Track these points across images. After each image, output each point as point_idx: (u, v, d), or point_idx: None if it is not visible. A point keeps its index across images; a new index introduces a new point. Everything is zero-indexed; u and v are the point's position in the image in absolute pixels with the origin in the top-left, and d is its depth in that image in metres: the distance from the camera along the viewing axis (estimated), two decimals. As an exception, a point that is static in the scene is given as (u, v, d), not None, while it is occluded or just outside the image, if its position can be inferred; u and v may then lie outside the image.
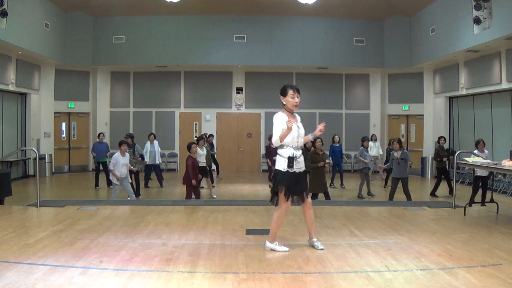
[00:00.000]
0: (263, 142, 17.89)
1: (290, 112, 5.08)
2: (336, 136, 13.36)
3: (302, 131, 5.10)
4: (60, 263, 4.54)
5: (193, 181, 9.31)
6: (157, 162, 12.79)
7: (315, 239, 5.23)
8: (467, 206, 7.63)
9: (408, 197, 9.58)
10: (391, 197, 9.77)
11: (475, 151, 9.44)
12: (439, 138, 12.39)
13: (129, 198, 9.55)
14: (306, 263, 4.69)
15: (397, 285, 4.04)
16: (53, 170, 15.99)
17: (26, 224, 6.50)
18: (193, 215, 7.24)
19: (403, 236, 5.85)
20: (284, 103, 5.09)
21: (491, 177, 9.24)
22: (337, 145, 13.26)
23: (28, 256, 4.77)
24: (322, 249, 5.09)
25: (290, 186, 5.00)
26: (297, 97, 5.06)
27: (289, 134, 4.93)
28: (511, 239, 5.70)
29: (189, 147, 9.67)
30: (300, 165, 5.06)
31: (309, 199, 5.19)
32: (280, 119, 4.99)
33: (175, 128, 17.65)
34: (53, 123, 16.09)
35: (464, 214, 7.37)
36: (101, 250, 5.06)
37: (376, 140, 14.58)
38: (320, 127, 5.08)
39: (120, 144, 9.56)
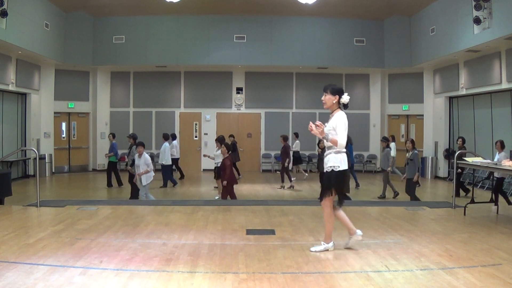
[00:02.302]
0: (263, 142, 17.91)
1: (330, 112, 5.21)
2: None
3: (325, 131, 5.08)
4: (60, 263, 4.54)
5: (225, 182, 9.07)
6: (161, 162, 12.90)
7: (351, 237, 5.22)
8: (467, 206, 7.63)
9: (412, 198, 9.61)
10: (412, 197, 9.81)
11: (497, 154, 9.38)
12: (458, 138, 12.33)
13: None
14: (306, 263, 4.69)
15: (397, 285, 4.04)
16: (53, 170, 15.99)
17: (26, 224, 6.50)
18: (193, 215, 7.24)
19: (403, 236, 5.85)
20: None
21: (491, 177, 9.23)
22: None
23: (28, 256, 4.77)
24: (312, 251, 5.09)
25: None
26: (324, 95, 5.23)
27: None
28: (511, 239, 5.71)
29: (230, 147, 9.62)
30: (323, 165, 5.16)
31: (323, 201, 5.09)
32: None
33: (175, 128, 17.62)
34: (53, 123, 16.09)
35: (464, 214, 7.37)
36: (101, 250, 5.06)
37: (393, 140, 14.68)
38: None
39: (137, 145, 9.51)
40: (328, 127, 5.07)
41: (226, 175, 9.08)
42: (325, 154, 5.12)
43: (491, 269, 4.42)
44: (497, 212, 7.61)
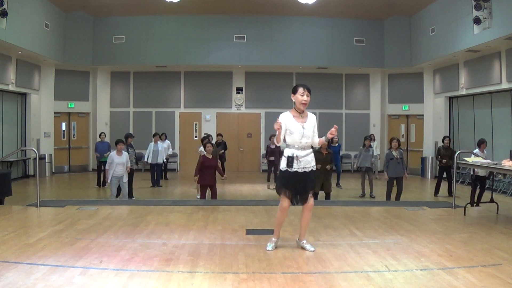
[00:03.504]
0: (263, 142, 17.89)
1: (299, 112, 5.05)
2: (335, 137, 13.45)
3: (308, 131, 5.00)
4: (60, 263, 4.54)
5: (225, 176, 9.67)
6: (158, 161, 12.98)
7: (304, 241, 5.21)
8: (467, 206, 7.63)
9: (399, 194, 9.77)
10: (388, 196, 9.82)
11: (476, 150, 9.41)
12: (444, 137, 12.38)
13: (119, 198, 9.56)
14: (306, 263, 4.69)
15: (397, 285, 4.04)
16: (53, 170, 15.99)
17: (26, 224, 6.49)
18: (193, 215, 7.24)
19: (403, 236, 5.85)
20: (294, 101, 5.07)
21: (491, 177, 9.24)
22: (335, 145, 13.31)
23: (28, 256, 4.77)
24: (313, 250, 5.08)
25: (287, 185, 5.04)
26: (307, 95, 5.00)
27: (291, 135, 4.96)
28: (511, 239, 5.71)
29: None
30: (303, 165, 5.02)
31: (311, 202, 5.11)
32: (282, 119, 5.00)
33: (175, 128, 17.65)
34: (53, 123, 16.09)
35: (464, 214, 7.37)
36: (101, 250, 5.06)
37: (374, 140, 14.74)
38: (332, 130, 4.98)
39: (117, 143, 9.51)
40: (311, 128, 5.05)
41: (221, 172, 9.56)
42: (303, 153, 5.02)
43: (491, 269, 4.42)
44: (497, 212, 7.61)
